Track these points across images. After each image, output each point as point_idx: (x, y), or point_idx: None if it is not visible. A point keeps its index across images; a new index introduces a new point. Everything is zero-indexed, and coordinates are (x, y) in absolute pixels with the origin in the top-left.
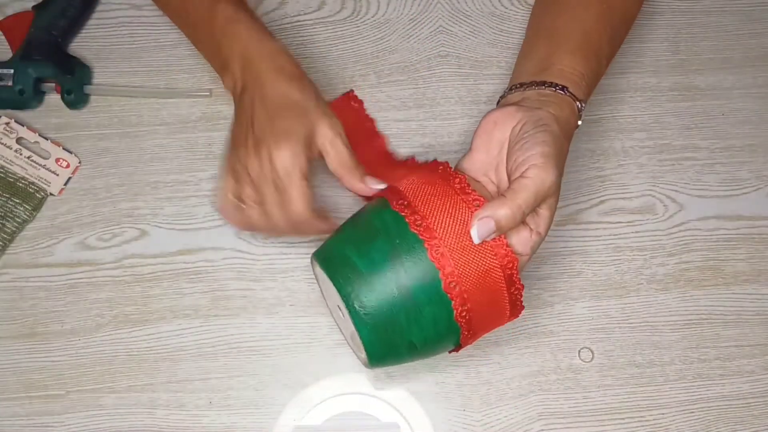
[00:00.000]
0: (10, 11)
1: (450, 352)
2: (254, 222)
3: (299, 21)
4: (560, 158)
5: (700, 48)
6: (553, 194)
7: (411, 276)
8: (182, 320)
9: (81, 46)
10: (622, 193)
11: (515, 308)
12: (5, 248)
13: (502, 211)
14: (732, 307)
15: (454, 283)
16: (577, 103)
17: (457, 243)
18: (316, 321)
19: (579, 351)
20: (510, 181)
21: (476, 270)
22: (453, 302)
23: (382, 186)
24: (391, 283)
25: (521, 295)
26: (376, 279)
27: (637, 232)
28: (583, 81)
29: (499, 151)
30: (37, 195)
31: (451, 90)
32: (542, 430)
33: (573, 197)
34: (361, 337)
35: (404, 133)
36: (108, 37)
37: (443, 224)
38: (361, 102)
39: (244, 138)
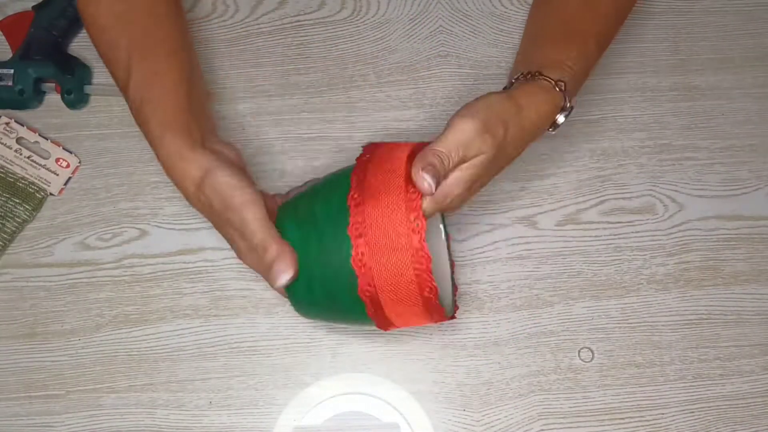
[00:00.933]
0: (10, 11)
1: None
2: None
3: (299, 21)
4: (490, 115)
5: (700, 48)
6: (477, 147)
7: (328, 241)
8: (182, 320)
9: (81, 46)
10: (622, 193)
11: (431, 309)
12: (5, 248)
13: (429, 159)
14: (732, 307)
15: (363, 265)
16: (552, 82)
17: (381, 233)
18: (317, 321)
19: (579, 351)
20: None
21: (391, 265)
22: (359, 279)
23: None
24: (314, 241)
25: (435, 297)
26: (305, 233)
27: (637, 232)
28: (564, 65)
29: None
30: (37, 195)
31: (451, 90)
32: (542, 430)
33: (573, 197)
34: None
35: (404, 133)
36: None
37: (378, 211)
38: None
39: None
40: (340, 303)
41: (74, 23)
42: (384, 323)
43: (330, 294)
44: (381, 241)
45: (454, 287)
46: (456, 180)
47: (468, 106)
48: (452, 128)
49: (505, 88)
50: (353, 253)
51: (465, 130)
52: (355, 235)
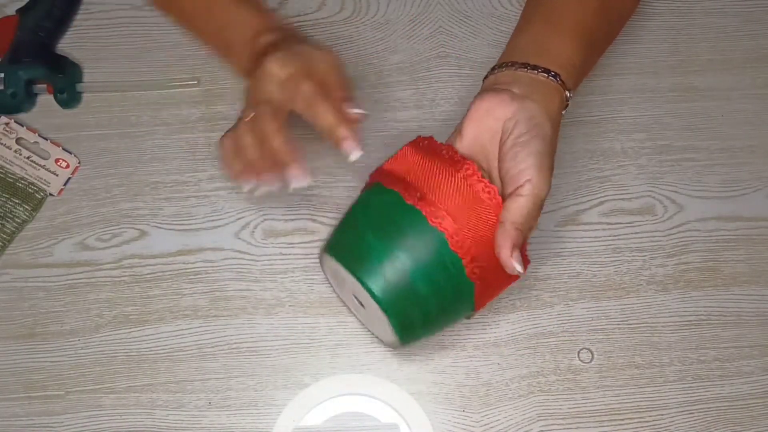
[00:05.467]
0: (9, 11)
1: (467, 317)
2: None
3: (299, 22)
4: (551, 158)
5: (699, 49)
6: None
7: (418, 246)
8: (182, 321)
9: (80, 46)
10: (622, 194)
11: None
12: (5, 248)
13: (515, 239)
14: (731, 308)
15: (459, 241)
16: (566, 92)
17: (454, 204)
18: (316, 321)
19: (578, 352)
20: (505, 190)
21: (477, 225)
22: (463, 260)
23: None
24: (403, 256)
25: (525, 247)
26: (387, 257)
27: (636, 233)
28: (575, 71)
29: (490, 138)
30: (37, 195)
31: (451, 91)
32: (542, 430)
33: (573, 198)
34: (387, 316)
35: (404, 133)
36: (108, 37)
37: (438, 191)
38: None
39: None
40: (448, 301)
41: (60, 23)
42: (485, 299)
43: (437, 296)
44: (463, 214)
45: None
46: (535, 213)
47: (536, 156)
48: (531, 197)
49: (506, 64)
50: (448, 240)
51: (543, 194)
52: (438, 224)
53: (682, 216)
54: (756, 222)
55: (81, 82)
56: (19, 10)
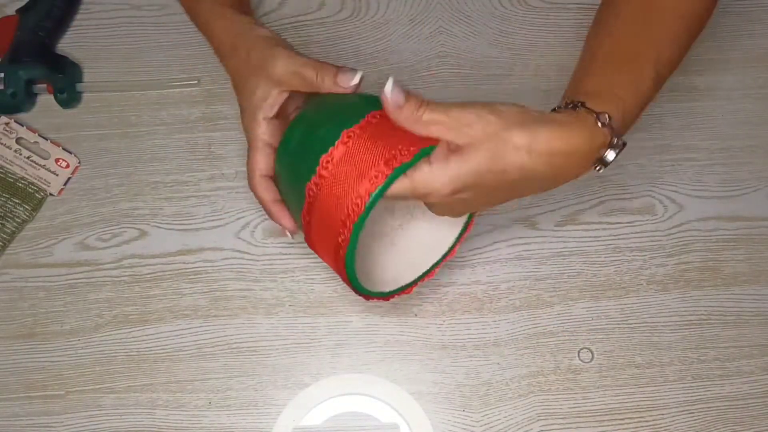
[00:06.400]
0: (9, 11)
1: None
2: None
3: (299, 21)
4: (514, 122)
5: (700, 48)
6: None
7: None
8: (182, 320)
9: (80, 46)
10: (622, 193)
11: (336, 258)
12: (5, 248)
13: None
14: (731, 307)
15: (328, 163)
16: (594, 114)
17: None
18: (316, 321)
19: (578, 351)
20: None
21: (339, 187)
22: (315, 174)
23: (357, 77)
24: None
25: (343, 249)
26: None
27: (636, 232)
28: (613, 93)
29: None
30: (37, 195)
31: (451, 91)
32: (542, 430)
33: (573, 197)
34: None
35: None
36: (107, 37)
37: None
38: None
39: None
40: (295, 180)
41: (60, 23)
42: (308, 237)
43: (294, 163)
44: (349, 166)
45: (426, 276)
46: (439, 171)
47: (498, 103)
48: (462, 105)
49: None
50: (324, 155)
51: (472, 112)
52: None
53: (682, 216)
54: (756, 222)
55: (81, 82)
56: (19, 10)
